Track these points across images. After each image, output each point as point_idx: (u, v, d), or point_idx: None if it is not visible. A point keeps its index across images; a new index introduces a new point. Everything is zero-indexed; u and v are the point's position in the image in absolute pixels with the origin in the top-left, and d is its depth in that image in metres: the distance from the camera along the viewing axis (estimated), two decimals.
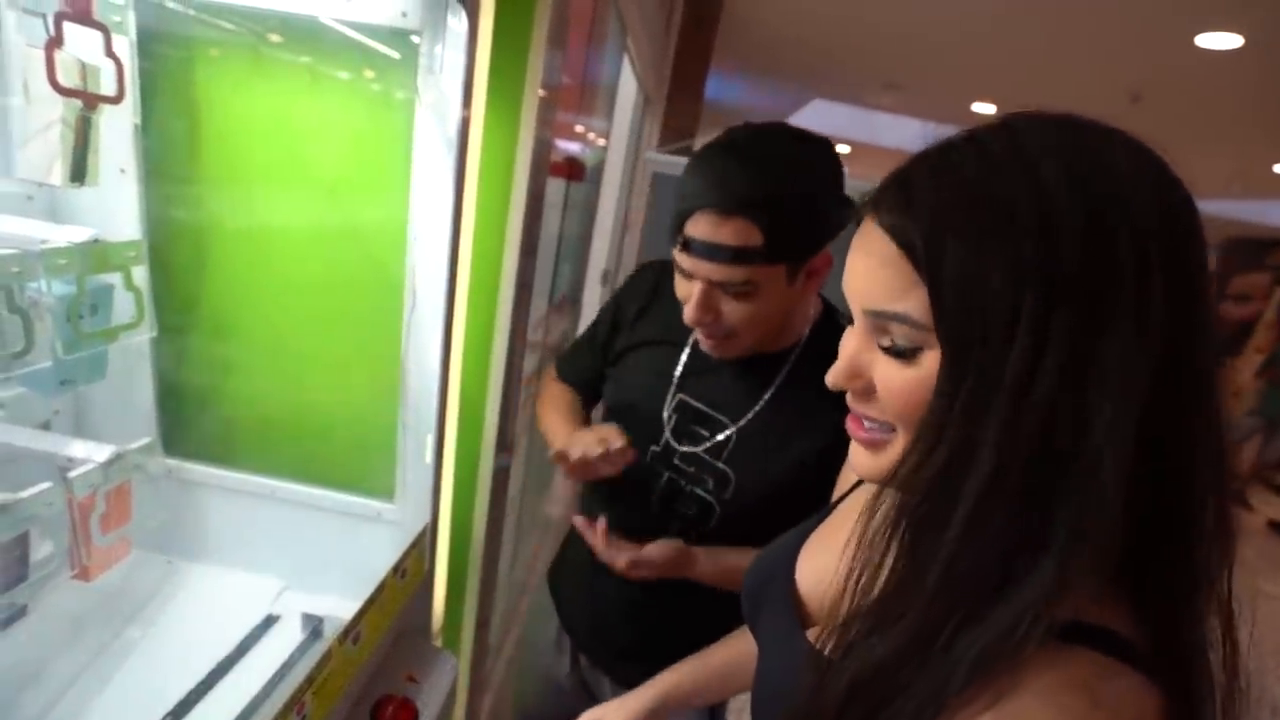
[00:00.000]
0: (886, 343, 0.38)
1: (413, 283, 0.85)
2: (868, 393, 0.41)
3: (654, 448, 0.86)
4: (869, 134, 5.20)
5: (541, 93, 0.93)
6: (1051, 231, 0.32)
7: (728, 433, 0.82)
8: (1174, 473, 0.35)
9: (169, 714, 0.80)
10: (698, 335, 0.81)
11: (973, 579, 0.35)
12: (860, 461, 0.43)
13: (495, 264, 1.01)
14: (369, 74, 0.85)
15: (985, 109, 4.41)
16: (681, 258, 0.74)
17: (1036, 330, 0.32)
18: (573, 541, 1.01)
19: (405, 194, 0.83)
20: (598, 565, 0.88)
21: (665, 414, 0.84)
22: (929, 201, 0.36)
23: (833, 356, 0.42)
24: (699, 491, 0.83)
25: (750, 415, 0.81)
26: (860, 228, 0.40)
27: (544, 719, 1.09)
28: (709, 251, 0.70)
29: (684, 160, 0.81)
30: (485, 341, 1.05)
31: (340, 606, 0.97)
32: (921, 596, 0.36)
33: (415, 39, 0.79)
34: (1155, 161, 0.35)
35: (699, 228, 0.70)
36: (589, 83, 1.73)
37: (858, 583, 0.40)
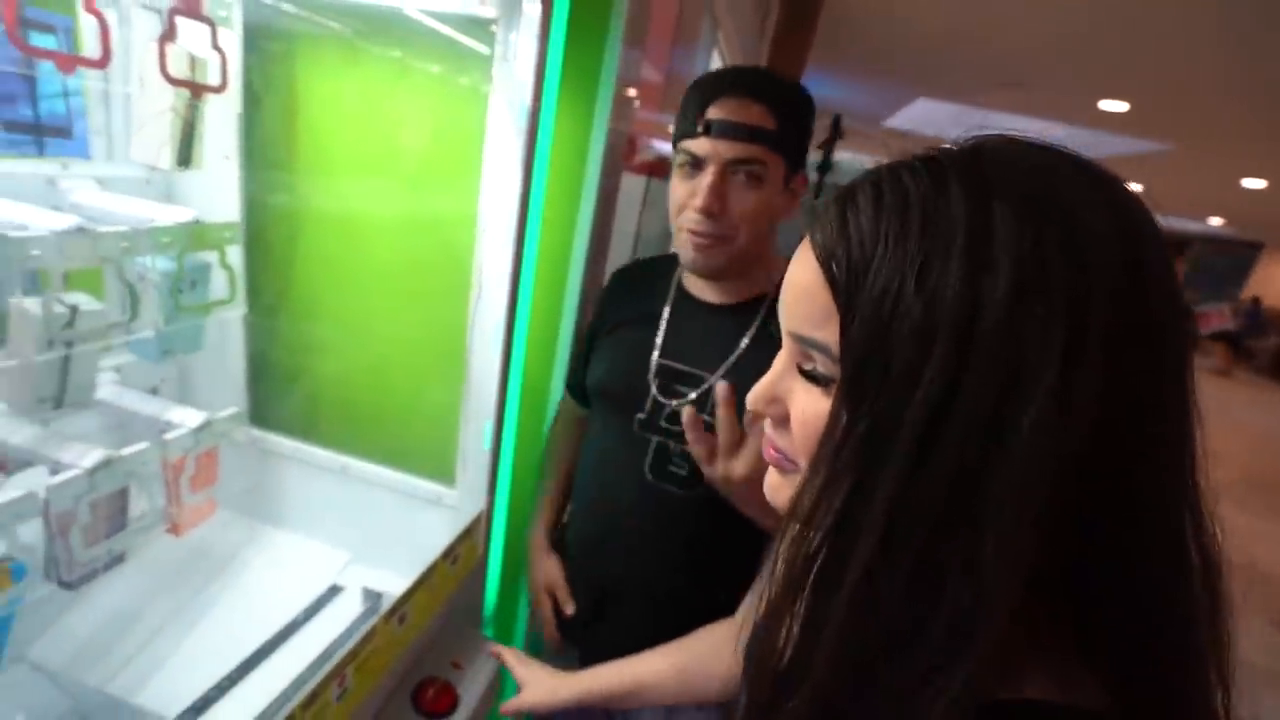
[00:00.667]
0: (809, 367, 0.36)
1: (479, 271, 0.86)
2: (783, 421, 0.38)
3: (639, 415, 0.87)
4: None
5: (617, 87, 0.92)
6: (984, 276, 0.29)
7: (706, 384, 0.84)
8: (1121, 552, 0.30)
9: (233, 671, 0.85)
10: (687, 243, 0.81)
11: (866, 651, 0.31)
12: (770, 481, 0.40)
13: (564, 257, 1.00)
14: (449, 64, 0.86)
15: (1115, 107, 4.02)
16: (696, 144, 0.79)
17: (944, 386, 0.29)
18: (563, 534, 1.03)
19: (477, 183, 0.84)
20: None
21: (648, 380, 0.87)
22: (862, 225, 0.32)
23: None
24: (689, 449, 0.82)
25: (727, 365, 0.83)
26: (801, 243, 0.36)
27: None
28: (731, 130, 0.76)
29: None
30: (552, 333, 1.05)
31: (399, 584, 1.00)
32: (816, 668, 0.33)
33: (493, 28, 0.80)
34: (1136, 221, 0.31)
35: (722, 109, 0.77)
36: (675, 79, 1.71)
37: (756, 650, 0.37)
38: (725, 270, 0.84)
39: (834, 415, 0.33)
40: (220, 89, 0.81)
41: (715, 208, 0.78)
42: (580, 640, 0.98)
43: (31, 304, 0.68)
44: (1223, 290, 10.67)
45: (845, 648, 0.32)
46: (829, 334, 0.33)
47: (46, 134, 0.67)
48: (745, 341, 0.84)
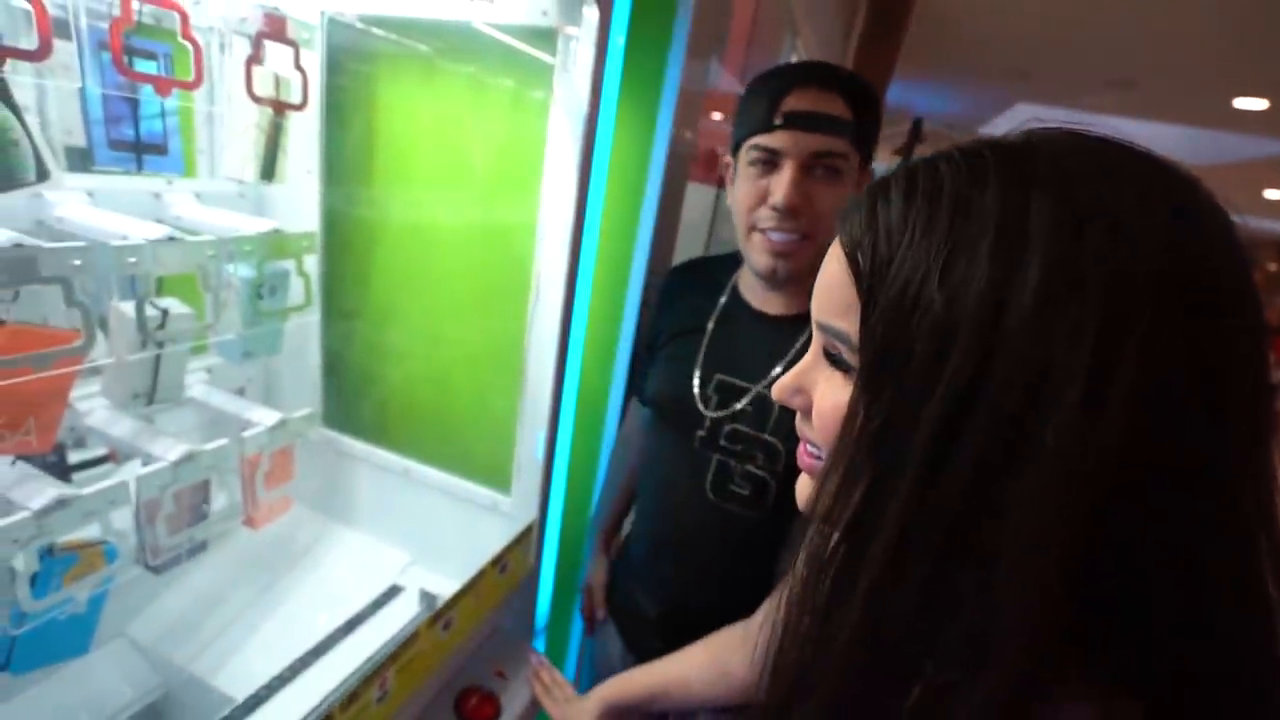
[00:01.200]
0: (834, 353, 0.35)
1: (537, 279, 0.86)
2: (808, 412, 0.37)
3: (699, 433, 0.84)
4: None
5: (680, 96, 0.90)
6: (1013, 273, 0.27)
7: (751, 395, 0.81)
8: (1170, 580, 0.27)
9: (295, 662, 0.88)
10: (762, 246, 0.77)
11: (881, 664, 0.30)
12: (799, 488, 0.39)
13: (624, 266, 0.99)
14: (515, 75, 0.87)
15: (1252, 105, 3.62)
16: (772, 138, 0.74)
17: (964, 385, 0.27)
18: (627, 544, 1.02)
19: (538, 191, 0.85)
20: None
21: (701, 395, 0.83)
22: (891, 215, 0.31)
23: None
24: (751, 469, 0.81)
25: (772, 375, 0.80)
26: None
27: None
28: (812, 121, 0.72)
29: None
30: (610, 344, 1.04)
31: (451, 588, 1.02)
32: (828, 679, 0.32)
33: (556, 38, 0.80)
34: (1201, 226, 0.28)
35: (802, 100, 0.73)
36: None
37: (770, 659, 0.36)
38: (808, 274, 0.79)
39: (853, 406, 0.32)
40: (301, 107, 0.86)
41: (798, 202, 0.73)
42: (643, 653, 0.96)
43: (127, 307, 0.73)
44: None
45: (859, 654, 0.30)
46: (850, 324, 0.32)
47: (145, 151, 0.73)
48: (793, 351, 0.79)
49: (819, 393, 0.36)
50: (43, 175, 0.62)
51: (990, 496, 0.27)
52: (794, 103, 0.73)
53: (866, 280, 0.31)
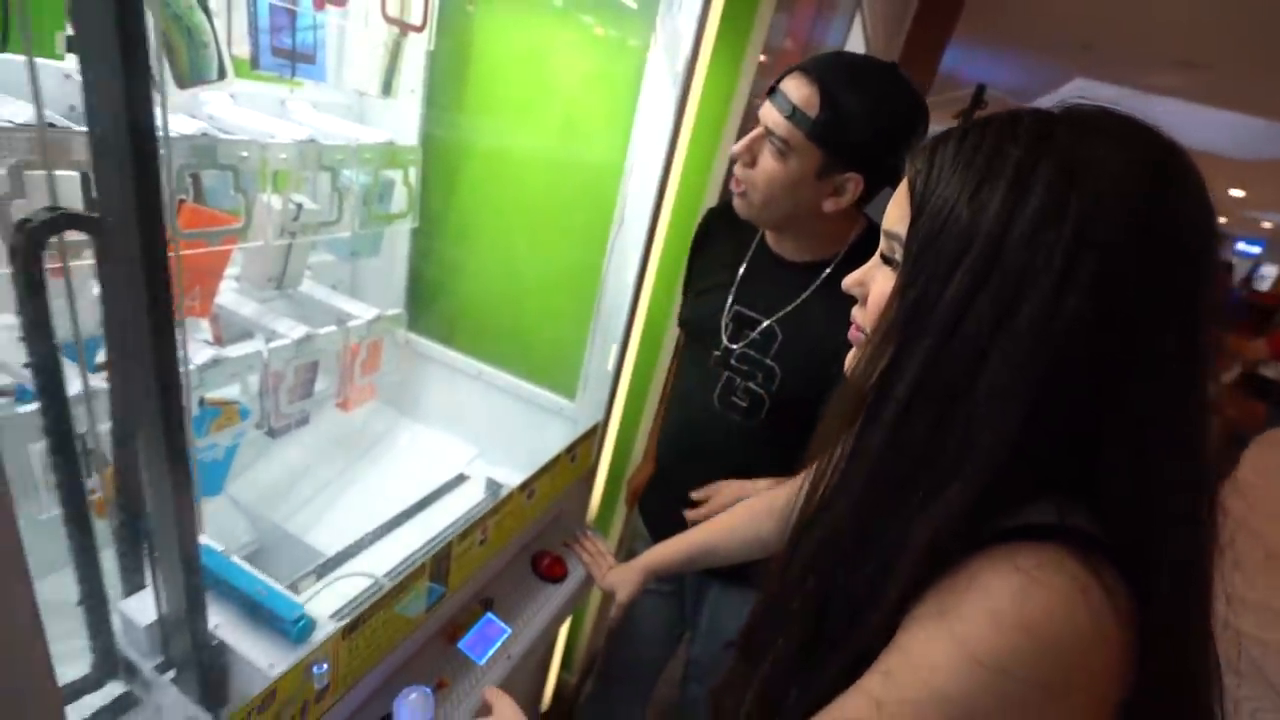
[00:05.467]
0: (889, 254, 0.46)
1: (622, 209, 0.95)
2: (865, 300, 0.49)
3: (715, 352, 0.96)
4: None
5: (764, 48, 0.97)
6: (1019, 204, 0.38)
7: (764, 326, 0.92)
8: (1121, 432, 0.38)
9: (379, 528, 1.01)
10: (731, 184, 0.91)
11: (893, 477, 0.41)
12: (847, 361, 0.51)
13: (696, 204, 1.08)
14: (616, 15, 0.94)
15: None
16: (763, 104, 0.85)
17: (974, 277, 0.38)
18: (661, 470, 1.13)
19: (628, 127, 0.93)
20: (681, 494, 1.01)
21: (724, 322, 0.95)
22: (945, 155, 0.42)
23: None
24: (751, 385, 0.94)
25: (784, 312, 0.91)
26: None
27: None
28: (779, 100, 0.82)
29: None
30: (674, 274, 1.13)
31: (515, 479, 1.14)
32: (852, 489, 0.44)
33: None
34: (1172, 192, 0.37)
35: (786, 82, 0.82)
36: (812, 48, 1.71)
37: (808, 484, 0.48)
38: (756, 221, 0.91)
39: (894, 291, 0.43)
40: (421, 28, 0.93)
41: (744, 156, 0.85)
42: (659, 533, 1.10)
43: (274, 199, 0.83)
44: None
45: (880, 468, 0.42)
46: (904, 228, 0.43)
47: (299, 60, 0.82)
48: (804, 295, 0.91)
49: (874, 283, 0.47)
50: (222, 74, 0.71)
51: (981, 355, 0.38)
52: (784, 82, 0.83)
53: (919, 197, 0.42)
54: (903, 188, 0.45)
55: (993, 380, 0.37)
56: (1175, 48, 3.36)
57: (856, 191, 0.84)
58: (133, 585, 0.61)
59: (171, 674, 0.59)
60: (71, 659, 0.57)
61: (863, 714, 0.39)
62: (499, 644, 0.80)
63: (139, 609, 0.59)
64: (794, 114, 0.80)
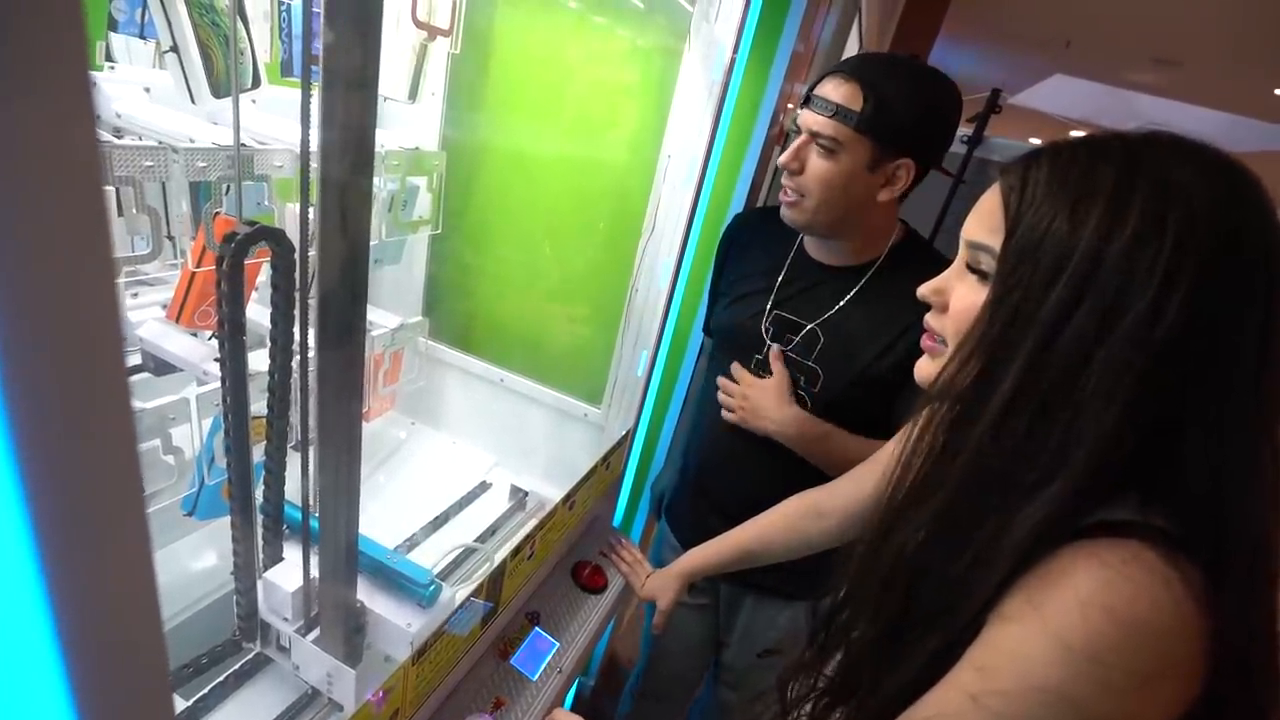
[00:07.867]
0: (975, 265, 0.47)
1: (654, 214, 0.95)
2: (942, 309, 0.50)
3: (757, 356, 0.98)
4: (1119, 116, 4.52)
5: (793, 51, 0.96)
6: (1116, 224, 0.40)
7: (806, 330, 0.94)
8: (1198, 437, 0.40)
9: (411, 537, 1.00)
10: (780, 196, 0.91)
11: (991, 473, 0.43)
12: (919, 367, 0.52)
13: (724, 210, 1.07)
14: (648, 21, 0.93)
15: None
16: (801, 114, 0.87)
17: (1075, 287, 0.40)
18: (685, 466, 1.14)
19: (660, 133, 0.92)
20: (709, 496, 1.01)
21: (764, 327, 0.96)
22: (1040, 173, 0.44)
23: (910, 272, 0.55)
24: (796, 389, 0.96)
25: (826, 316, 0.93)
26: (995, 183, 0.48)
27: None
28: (819, 104, 0.84)
29: None
30: (702, 280, 1.13)
31: (538, 486, 1.14)
32: (949, 484, 0.45)
33: None
34: (1247, 210, 0.40)
35: (823, 87, 0.85)
36: (820, 47, 1.71)
37: (896, 476, 0.50)
38: (808, 228, 0.92)
39: (986, 303, 0.45)
40: (449, 32, 0.92)
41: (793, 165, 0.87)
42: (689, 541, 1.10)
43: (295, 208, 0.81)
44: None
45: (980, 463, 0.44)
46: (995, 241, 0.45)
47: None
48: (846, 299, 0.92)
49: (957, 294, 0.49)
50: (257, 82, 0.69)
51: (1085, 360, 0.40)
52: (819, 88, 0.85)
53: (1014, 211, 0.44)
54: (992, 202, 0.47)
55: (1096, 383, 0.39)
56: (1152, 45, 3.43)
57: (909, 178, 0.86)
58: (272, 559, 0.69)
59: (315, 634, 0.65)
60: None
61: (959, 708, 0.40)
62: (549, 658, 0.80)
63: (284, 578, 0.66)
64: (838, 112, 0.82)
